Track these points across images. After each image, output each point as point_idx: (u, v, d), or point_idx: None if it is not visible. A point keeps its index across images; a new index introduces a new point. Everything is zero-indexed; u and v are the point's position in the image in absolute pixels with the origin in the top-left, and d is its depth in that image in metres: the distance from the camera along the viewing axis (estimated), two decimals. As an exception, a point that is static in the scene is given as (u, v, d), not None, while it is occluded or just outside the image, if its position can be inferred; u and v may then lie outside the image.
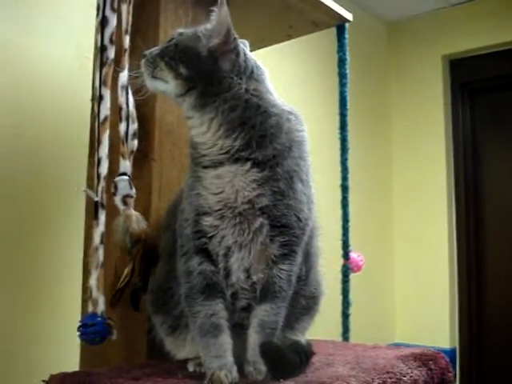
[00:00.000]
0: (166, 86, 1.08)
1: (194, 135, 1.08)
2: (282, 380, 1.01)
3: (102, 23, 1.20)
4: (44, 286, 1.73)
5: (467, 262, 3.46)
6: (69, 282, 1.63)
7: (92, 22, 1.42)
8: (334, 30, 1.83)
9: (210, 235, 1.05)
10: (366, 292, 1.72)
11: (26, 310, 1.68)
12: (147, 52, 1.11)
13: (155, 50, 1.10)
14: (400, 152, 3.67)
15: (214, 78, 1.05)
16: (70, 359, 1.41)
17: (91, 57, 1.43)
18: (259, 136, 1.05)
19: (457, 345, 3.39)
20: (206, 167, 1.06)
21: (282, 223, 1.05)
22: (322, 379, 1.03)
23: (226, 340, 1.04)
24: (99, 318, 1.16)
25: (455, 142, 3.55)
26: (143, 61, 1.10)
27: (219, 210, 1.04)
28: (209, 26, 1.06)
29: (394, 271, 3.60)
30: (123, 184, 1.18)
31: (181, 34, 1.09)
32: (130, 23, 1.24)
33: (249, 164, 1.04)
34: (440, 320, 3.37)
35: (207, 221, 1.05)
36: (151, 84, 1.10)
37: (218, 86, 1.05)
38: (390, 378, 1.12)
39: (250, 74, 1.09)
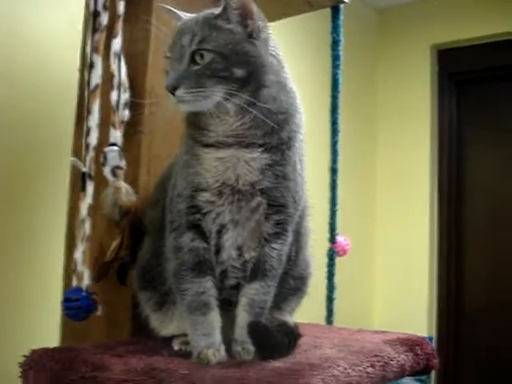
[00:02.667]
0: (216, 98, 0.98)
1: (206, 116, 1.01)
2: (270, 360, 0.99)
3: (96, -13, 1.15)
4: (25, 257, 1.69)
5: (448, 251, 3.48)
6: (51, 254, 1.60)
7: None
8: (327, 11, 1.81)
9: (204, 211, 1.03)
10: (345, 277, 1.71)
11: (6, 283, 1.64)
12: (172, 80, 0.97)
13: (184, 73, 0.97)
14: (385, 138, 3.66)
15: (261, 63, 1.00)
16: (51, 334, 1.37)
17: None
18: (282, 120, 1.03)
19: (434, 334, 3.41)
20: (206, 146, 1.02)
21: (279, 203, 1.04)
22: (311, 360, 1.01)
23: (215, 318, 1.02)
24: (84, 293, 1.13)
25: (440, 130, 3.56)
26: (182, 91, 0.97)
27: (218, 187, 1.02)
28: (230, 13, 0.99)
29: (374, 258, 3.61)
30: (113, 155, 1.14)
31: (208, 40, 0.97)
32: (124, -12, 1.19)
33: (259, 151, 1.01)
34: (418, 308, 3.39)
35: (203, 196, 1.02)
36: (200, 106, 0.99)
37: (263, 71, 1.00)
38: (378, 361, 1.11)
39: (276, 50, 1.06)
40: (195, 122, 1.04)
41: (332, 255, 1.74)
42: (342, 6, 1.79)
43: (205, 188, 1.02)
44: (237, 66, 0.97)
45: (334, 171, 1.75)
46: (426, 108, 3.55)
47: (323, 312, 1.76)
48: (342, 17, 1.78)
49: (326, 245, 1.75)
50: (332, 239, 1.74)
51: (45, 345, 1.08)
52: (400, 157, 3.58)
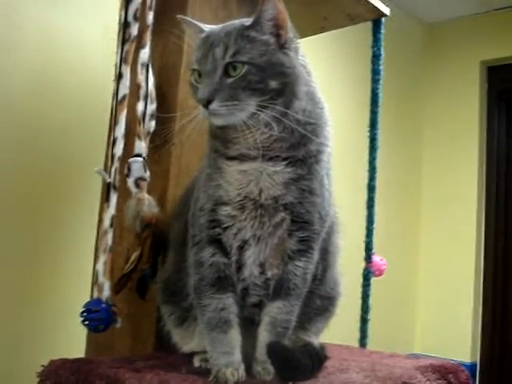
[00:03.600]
0: (249, 111, 0.95)
1: (232, 129, 0.99)
2: (291, 383, 0.95)
3: (127, -1, 1.15)
4: (57, 267, 1.70)
5: (493, 275, 3.35)
6: (82, 264, 1.60)
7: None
8: (369, 25, 1.77)
9: (225, 226, 1.01)
10: (386, 298, 1.65)
11: (37, 293, 1.65)
12: (206, 93, 0.94)
13: (218, 86, 0.95)
14: (431, 157, 3.57)
15: (294, 73, 0.99)
16: (78, 345, 1.37)
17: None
18: (310, 131, 1.01)
19: (478, 360, 3.28)
20: (230, 159, 1.00)
21: (303, 219, 1.01)
22: (333, 385, 0.97)
23: (235, 336, 1.00)
24: (103, 305, 1.11)
25: (489, 150, 3.45)
26: (217, 104, 0.94)
27: (240, 200, 0.99)
28: (264, 23, 0.97)
29: (417, 279, 3.51)
30: (137, 166, 1.13)
31: (243, 52, 0.95)
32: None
33: (283, 164, 0.99)
34: (462, 333, 3.26)
35: (225, 210, 1.00)
36: (234, 119, 0.96)
37: (296, 82, 0.99)
38: (406, 388, 1.06)
39: (304, 60, 1.05)
40: (219, 135, 1.02)
41: (367, 275, 1.69)
42: (383, 19, 1.75)
43: (226, 201, 1.00)
44: (272, 77, 0.96)
45: (371, 188, 1.70)
46: (474, 126, 3.44)
47: (358, 334, 1.70)
48: (383, 30, 1.74)
49: (363, 264, 1.70)
50: (368, 258, 1.69)
51: (72, 355, 1.08)
52: (446, 177, 3.48)
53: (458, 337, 3.25)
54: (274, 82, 0.95)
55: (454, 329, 3.27)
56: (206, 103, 0.94)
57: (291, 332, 1.04)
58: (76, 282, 1.68)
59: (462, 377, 1.26)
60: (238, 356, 0.98)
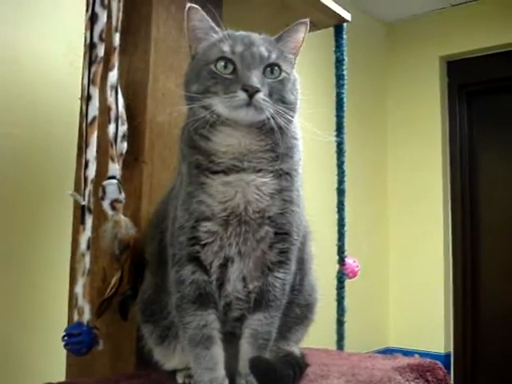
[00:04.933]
0: (265, 115, 0.98)
1: (223, 142, 1.00)
2: (274, 394, 0.97)
3: (92, 20, 1.15)
4: (30, 291, 1.68)
5: (462, 267, 3.43)
6: (56, 287, 1.59)
7: (83, 19, 1.38)
8: (331, 30, 1.80)
9: (203, 242, 1.01)
10: (359, 296, 1.68)
11: (12, 317, 1.63)
12: (257, 83, 0.96)
13: (262, 81, 0.98)
14: (396, 153, 3.64)
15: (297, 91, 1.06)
16: (58, 368, 1.36)
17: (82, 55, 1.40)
18: (295, 144, 1.05)
19: (451, 350, 3.35)
20: (215, 173, 1.01)
21: (284, 230, 1.03)
22: (316, 393, 0.99)
23: (218, 352, 1.00)
24: (85, 328, 1.11)
25: (452, 143, 3.53)
26: (262, 96, 0.96)
27: (224, 216, 1.00)
28: (287, 44, 1.06)
29: (388, 276, 3.57)
30: (112, 188, 1.13)
31: (281, 59, 1.02)
32: (120, 20, 1.19)
33: (270, 176, 1.01)
34: (434, 325, 3.34)
35: (205, 226, 1.00)
36: (259, 117, 0.98)
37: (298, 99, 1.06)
38: (387, 391, 1.08)
39: None
40: (204, 148, 1.02)
41: (341, 277, 1.71)
42: (345, 24, 1.78)
43: (209, 217, 1.00)
44: (293, 90, 1.03)
45: (341, 192, 1.73)
46: (436, 120, 3.53)
47: (334, 336, 1.73)
48: (345, 35, 1.77)
49: (336, 267, 1.72)
50: (341, 261, 1.71)
51: (52, 377, 1.08)
52: (412, 173, 3.56)
53: (431, 329, 3.33)
54: (293, 96, 1.03)
55: (426, 322, 3.35)
56: (256, 91, 0.96)
57: (272, 342, 1.06)
58: (52, 302, 1.68)
59: (440, 374, 1.29)
60: (221, 371, 0.99)
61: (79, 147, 1.36)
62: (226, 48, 1.00)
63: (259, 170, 1.01)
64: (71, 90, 1.73)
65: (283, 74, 1.01)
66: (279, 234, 1.02)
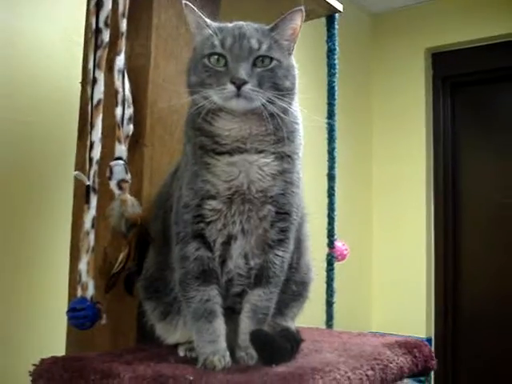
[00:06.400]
0: (263, 101, 1.03)
1: (225, 126, 1.06)
2: (273, 366, 1.02)
3: (98, 5, 1.18)
4: (29, 269, 1.71)
5: (444, 253, 3.51)
6: (55, 266, 1.63)
7: (79, 5, 1.41)
8: (321, 20, 1.84)
9: (208, 220, 1.06)
10: (343, 280, 1.74)
11: (11, 293, 1.66)
12: (243, 75, 1.01)
13: (251, 72, 1.02)
14: (381, 143, 3.69)
15: (296, 77, 1.10)
16: (57, 344, 1.40)
17: (79, 40, 1.42)
18: (296, 129, 1.10)
19: (432, 335, 3.44)
20: (219, 154, 1.06)
21: (285, 210, 1.08)
22: (312, 365, 1.04)
23: (220, 325, 1.05)
24: (89, 303, 1.16)
25: (435, 133, 3.59)
26: (249, 87, 1.01)
27: (228, 195, 1.05)
28: (283, 31, 1.08)
29: (371, 261, 3.64)
30: (119, 168, 1.18)
31: (273, 49, 1.05)
32: (127, 6, 1.22)
33: (272, 157, 1.06)
34: (416, 311, 3.41)
35: (209, 204, 1.05)
36: (252, 106, 1.03)
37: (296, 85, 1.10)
38: (378, 364, 1.14)
39: None
40: (208, 130, 1.07)
41: (331, 260, 1.77)
42: (336, 15, 1.82)
43: (214, 195, 1.05)
44: (288, 77, 1.07)
45: (331, 177, 1.78)
46: (420, 111, 3.58)
47: (323, 316, 1.78)
48: (337, 26, 1.81)
49: (325, 250, 1.78)
50: (330, 244, 1.77)
51: (51, 354, 1.11)
52: (396, 161, 3.61)
53: (413, 314, 3.40)
54: (288, 82, 1.07)
55: (408, 307, 3.42)
56: (243, 83, 1.01)
57: (270, 318, 1.11)
58: (48, 282, 1.71)
59: (426, 351, 1.35)
60: (223, 344, 1.04)
61: (80, 130, 1.39)
62: (217, 42, 1.05)
63: (261, 151, 1.06)
64: (68, 75, 1.78)
65: (274, 63, 1.04)
66: (280, 214, 1.08)
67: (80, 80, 1.40)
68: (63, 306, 1.35)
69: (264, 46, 1.04)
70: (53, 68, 1.81)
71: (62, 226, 1.50)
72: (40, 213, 1.76)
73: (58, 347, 1.37)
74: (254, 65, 1.03)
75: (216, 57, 1.04)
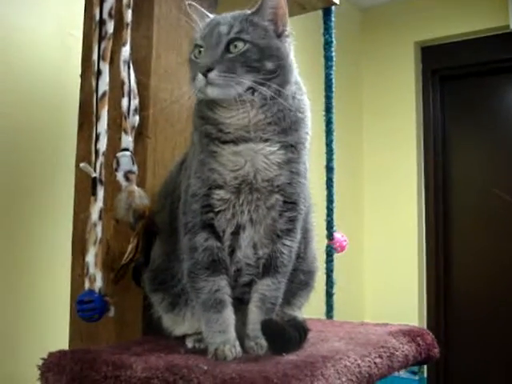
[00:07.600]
0: (244, 85, 1.01)
1: (227, 110, 1.05)
2: (283, 354, 1.02)
3: (102, -4, 1.18)
4: (32, 261, 1.70)
5: (435, 244, 3.55)
6: (58, 258, 1.61)
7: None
8: (318, 13, 1.84)
9: (217, 210, 1.06)
10: (337, 272, 1.75)
11: (12, 287, 1.65)
12: (207, 62, 1.00)
13: (219, 58, 1.00)
14: (371, 136, 3.72)
15: (287, 61, 1.06)
16: (59, 337, 1.39)
17: (75, 33, 1.41)
18: (300, 118, 1.09)
19: (425, 326, 3.46)
20: (224, 142, 1.05)
21: (292, 200, 1.08)
22: (322, 353, 1.05)
23: (230, 315, 1.05)
24: (97, 295, 1.15)
25: (425, 125, 3.62)
26: (216, 73, 0.99)
27: (236, 184, 1.05)
28: (266, 11, 1.04)
29: (363, 251, 3.66)
30: (125, 159, 1.17)
31: (245, 31, 1.02)
32: (131, -4, 1.22)
33: (277, 146, 1.05)
34: (408, 301, 3.44)
35: (218, 194, 1.05)
36: (228, 92, 1.01)
37: (289, 69, 1.07)
38: (385, 352, 1.15)
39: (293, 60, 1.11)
40: (212, 117, 1.06)
41: (330, 251, 1.78)
42: (333, 7, 1.83)
43: (221, 185, 1.05)
44: (268, 58, 1.02)
45: (330, 169, 1.78)
46: (410, 104, 3.60)
47: (322, 307, 1.79)
48: (333, 18, 1.82)
49: (324, 241, 1.79)
50: (330, 236, 1.77)
51: (54, 347, 1.10)
52: (386, 153, 3.63)
53: (406, 305, 3.42)
54: (270, 63, 1.03)
55: (401, 298, 3.44)
56: (206, 70, 0.99)
57: (278, 307, 1.11)
58: (47, 277, 1.70)
59: (428, 339, 1.37)
60: (232, 334, 1.04)
61: (81, 122, 1.38)
62: (197, 35, 1.06)
63: (266, 140, 1.05)
64: (62, 68, 1.77)
65: (248, 45, 1.01)
66: (287, 203, 1.08)
67: (79, 73, 1.40)
68: (64, 301, 1.36)
69: (234, 29, 1.02)
70: (47, 61, 1.79)
71: (61, 221, 1.50)
72: (38, 207, 1.74)
73: (58, 342, 1.36)
74: (228, 50, 1.02)
75: (197, 50, 1.05)
